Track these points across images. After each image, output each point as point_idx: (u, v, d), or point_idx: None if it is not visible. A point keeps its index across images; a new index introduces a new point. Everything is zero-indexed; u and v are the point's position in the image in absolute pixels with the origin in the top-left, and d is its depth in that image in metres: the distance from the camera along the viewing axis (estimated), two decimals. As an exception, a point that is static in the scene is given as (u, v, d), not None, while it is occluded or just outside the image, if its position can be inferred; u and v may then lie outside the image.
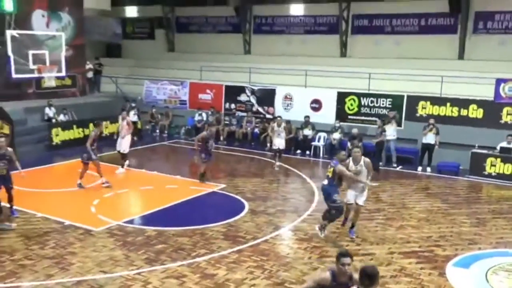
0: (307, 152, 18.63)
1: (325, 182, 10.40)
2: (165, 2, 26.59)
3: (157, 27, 27.97)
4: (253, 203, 12.57)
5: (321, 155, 18.43)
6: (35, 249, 9.49)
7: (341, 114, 19.08)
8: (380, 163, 16.80)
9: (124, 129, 15.49)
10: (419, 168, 16.60)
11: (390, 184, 15.07)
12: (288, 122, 18.60)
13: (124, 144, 15.49)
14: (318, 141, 18.71)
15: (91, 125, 19.12)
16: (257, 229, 10.74)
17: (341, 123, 18.72)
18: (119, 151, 15.57)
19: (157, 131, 22.05)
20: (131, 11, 28.81)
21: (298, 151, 18.77)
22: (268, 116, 20.49)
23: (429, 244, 10.23)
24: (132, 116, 20.15)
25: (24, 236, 10.10)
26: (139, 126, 20.85)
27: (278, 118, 17.07)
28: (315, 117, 19.34)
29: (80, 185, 13.45)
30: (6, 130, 15.92)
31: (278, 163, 16.49)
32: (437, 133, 16.31)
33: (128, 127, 15.54)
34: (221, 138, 20.42)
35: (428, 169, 16.49)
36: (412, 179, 15.66)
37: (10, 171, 11.07)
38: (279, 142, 16.48)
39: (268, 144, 18.59)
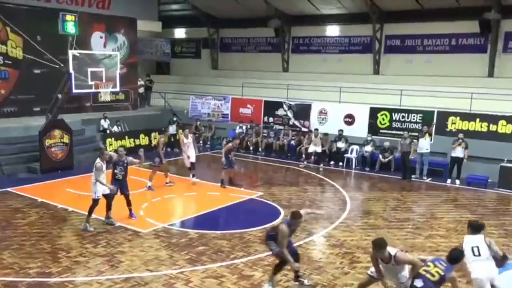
0: (340, 164, 18.49)
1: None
2: (210, 25, 26.96)
3: (203, 47, 28.31)
4: (288, 210, 12.35)
5: (353, 166, 18.23)
6: (89, 247, 9.71)
7: (373, 128, 18.84)
8: (413, 176, 16.58)
9: (192, 144, 15.41)
10: (449, 181, 16.17)
11: (420, 195, 14.75)
12: (326, 134, 18.78)
13: (194, 155, 15.44)
14: (351, 153, 18.53)
15: (141, 135, 19.65)
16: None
17: (373, 137, 18.49)
18: (191, 164, 15.25)
19: (201, 142, 22.27)
20: (180, 33, 29.34)
21: (332, 163, 18.63)
22: (304, 129, 20.42)
23: (457, 253, 9.92)
24: (172, 129, 20.51)
25: (79, 235, 10.36)
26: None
27: (315, 131, 18.47)
28: (348, 131, 19.14)
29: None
30: (66, 139, 16.39)
31: (321, 166, 17.86)
32: (465, 147, 15.90)
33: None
34: (260, 149, 20.57)
35: (457, 181, 16.06)
36: (442, 190, 15.26)
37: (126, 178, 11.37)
38: (315, 148, 18.10)
39: (304, 155, 18.78)
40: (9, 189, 13.78)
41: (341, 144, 18.72)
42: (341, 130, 18.96)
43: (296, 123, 20.86)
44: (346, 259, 9.47)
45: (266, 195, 13.91)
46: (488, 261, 6.99)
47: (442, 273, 6.36)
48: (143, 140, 19.45)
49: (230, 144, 15.19)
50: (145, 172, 14.89)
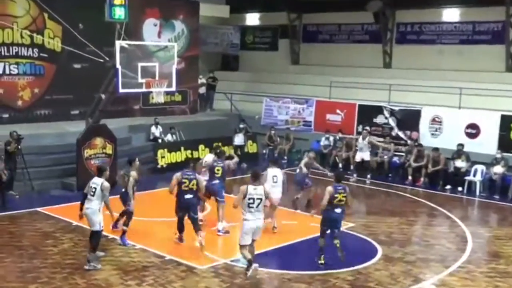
0: (460, 189, 18.06)
1: None
2: (291, 8, 27.10)
3: (281, 37, 28.60)
4: (388, 248, 12.24)
5: (477, 193, 17.72)
6: (132, 284, 9.85)
7: (505, 143, 18.28)
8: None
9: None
10: None
11: None
12: (436, 149, 18.52)
13: None
14: (474, 175, 18.04)
15: (201, 146, 19.91)
16: (392, 280, 10.41)
17: (505, 154, 17.85)
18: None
19: (276, 156, 22.27)
20: (252, 19, 29.77)
21: (448, 187, 18.29)
22: (410, 142, 19.92)
23: None
24: (239, 140, 20.64)
25: (121, 269, 10.55)
26: (250, 150, 21.30)
27: (364, 132, 19.78)
28: (471, 146, 18.68)
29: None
30: (109, 149, 16.90)
31: (368, 178, 19.03)
32: None
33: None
34: (351, 167, 20.30)
35: None
36: None
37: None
38: (362, 155, 19.04)
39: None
40: (39, 209, 14.38)
41: (460, 163, 18.30)
42: (461, 145, 18.54)
43: (401, 134, 20.55)
44: (466, 316, 9.04)
45: (359, 227, 13.70)
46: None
47: (344, 194, 10.79)
48: (203, 152, 19.65)
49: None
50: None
